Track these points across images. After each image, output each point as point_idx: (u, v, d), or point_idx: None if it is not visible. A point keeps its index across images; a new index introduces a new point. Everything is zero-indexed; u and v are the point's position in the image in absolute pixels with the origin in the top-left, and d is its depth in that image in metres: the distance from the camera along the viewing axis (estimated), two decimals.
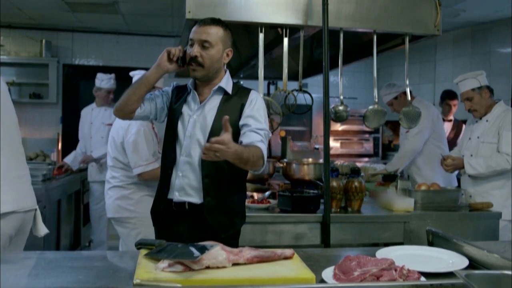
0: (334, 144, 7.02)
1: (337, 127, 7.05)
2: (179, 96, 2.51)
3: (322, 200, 2.99)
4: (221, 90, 2.43)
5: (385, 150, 7.36)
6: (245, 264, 1.73)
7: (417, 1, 3.25)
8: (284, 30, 3.20)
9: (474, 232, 3.18)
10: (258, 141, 2.27)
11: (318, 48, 4.69)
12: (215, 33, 2.34)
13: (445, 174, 4.03)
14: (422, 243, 2.20)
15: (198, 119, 2.40)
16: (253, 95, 2.45)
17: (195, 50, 2.32)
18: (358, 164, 4.69)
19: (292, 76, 4.17)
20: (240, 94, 2.45)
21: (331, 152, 6.77)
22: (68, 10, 6.02)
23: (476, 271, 1.46)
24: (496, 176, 3.52)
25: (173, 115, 2.47)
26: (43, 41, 6.92)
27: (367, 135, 7.34)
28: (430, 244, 2.15)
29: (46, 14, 6.31)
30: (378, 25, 3.24)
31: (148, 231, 3.41)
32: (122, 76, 7.86)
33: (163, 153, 2.51)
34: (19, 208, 2.30)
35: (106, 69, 7.43)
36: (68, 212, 5.04)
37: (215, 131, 2.30)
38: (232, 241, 2.32)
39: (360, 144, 7.27)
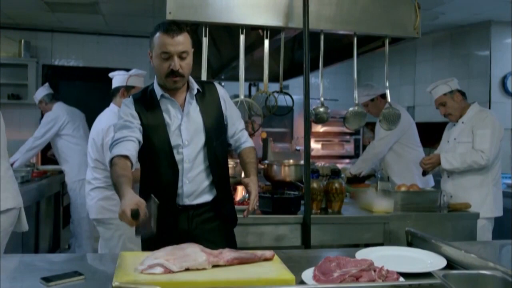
0: (315, 145, 7.04)
1: (318, 128, 7.07)
2: (147, 108, 2.36)
3: (302, 202, 3.00)
4: (193, 90, 2.41)
5: None
6: (225, 266, 1.73)
7: (397, 4, 3.28)
8: (265, 32, 3.20)
9: (453, 232, 3.21)
10: (246, 139, 2.59)
11: (299, 50, 4.70)
12: (187, 40, 2.28)
13: (421, 176, 4.08)
14: (401, 244, 2.22)
15: (189, 126, 2.35)
16: (219, 88, 2.52)
17: (176, 64, 2.24)
18: (339, 166, 4.72)
19: (273, 78, 4.19)
20: (208, 89, 2.48)
21: (312, 153, 6.80)
22: (48, 10, 5.95)
23: (454, 271, 1.48)
24: (474, 175, 3.58)
25: (155, 129, 2.34)
26: (22, 41, 6.82)
27: (347, 137, 7.36)
28: (409, 244, 2.17)
29: (25, 14, 6.22)
30: (358, 27, 3.26)
31: (131, 233, 3.38)
32: (103, 77, 7.81)
33: (157, 169, 2.35)
34: (17, 205, 2.53)
35: (86, 70, 7.40)
36: (47, 214, 4.98)
37: (210, 130, 2.38)
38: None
39: (341, 146, 7.29)
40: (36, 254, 4.01)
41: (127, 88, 3.52)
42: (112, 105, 3.57)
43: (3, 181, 2.48)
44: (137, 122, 2.32)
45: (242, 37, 3.13)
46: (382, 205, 3.16)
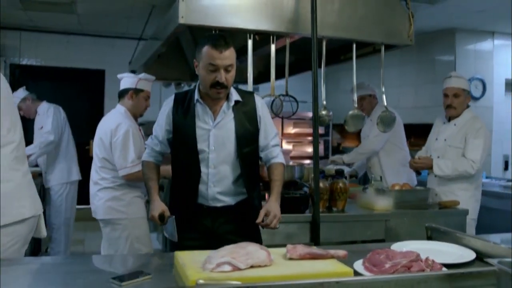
0: (286, 146, 7.21)
1: (290, 130, 7.25)
2: (183, 108, 2.54)
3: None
4: (231, 101, 2.53)
5: (335, 152, 7.61)
6: (296, 259, 1.86)
7: (392, 13, 3.48)
8: (271, 37, 3.31)
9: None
10: (276, 154, 2.65)
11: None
12: (233, 54, 2.43)
13: (407, 175, 4.30)
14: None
15: (219, 133, 2.49)
16: (257, 100, 2.63)
17: (222, 77, 2.38)
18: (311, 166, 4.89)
19: (262, 80, 4.30)
20: (247, 99, 2.59)
21: (285, 154, 6.96)
22: (20, 8, 5.80)
23: (507, 259, 1.63)
24: (461, 179, 3.75)
25: (186, 130, 2.52)
26: None
27: None
28: (429, 238, 2.35)
29: None
30: (358, 34, 3.43)
31: (138, 233, 3.43)
32: (73, 77, 7.65)
33: (183, 167, 2.57)
34: (35, 213, 2.31)
35: (55, 70, 7.25)
36: None
37: (241, 141, 2.50)
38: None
39: (311, 146, 7.48)
40: (48, 257, 3.90)
41: (136, 91, 3.55)
42: (118, 105, 3.59)
43: (19, 189, 2.28)
44: (165, 133, 2.60)
45: (250, 42, 3.22)
46: (383, 203, 3.33)
